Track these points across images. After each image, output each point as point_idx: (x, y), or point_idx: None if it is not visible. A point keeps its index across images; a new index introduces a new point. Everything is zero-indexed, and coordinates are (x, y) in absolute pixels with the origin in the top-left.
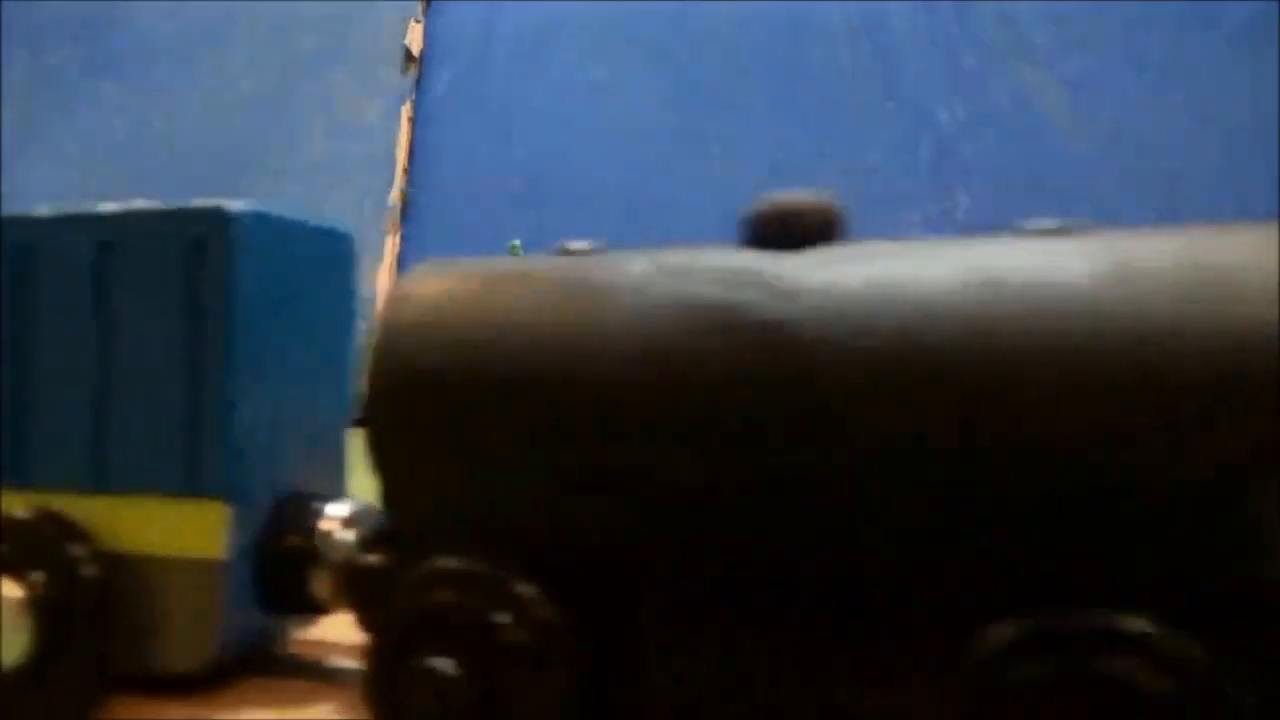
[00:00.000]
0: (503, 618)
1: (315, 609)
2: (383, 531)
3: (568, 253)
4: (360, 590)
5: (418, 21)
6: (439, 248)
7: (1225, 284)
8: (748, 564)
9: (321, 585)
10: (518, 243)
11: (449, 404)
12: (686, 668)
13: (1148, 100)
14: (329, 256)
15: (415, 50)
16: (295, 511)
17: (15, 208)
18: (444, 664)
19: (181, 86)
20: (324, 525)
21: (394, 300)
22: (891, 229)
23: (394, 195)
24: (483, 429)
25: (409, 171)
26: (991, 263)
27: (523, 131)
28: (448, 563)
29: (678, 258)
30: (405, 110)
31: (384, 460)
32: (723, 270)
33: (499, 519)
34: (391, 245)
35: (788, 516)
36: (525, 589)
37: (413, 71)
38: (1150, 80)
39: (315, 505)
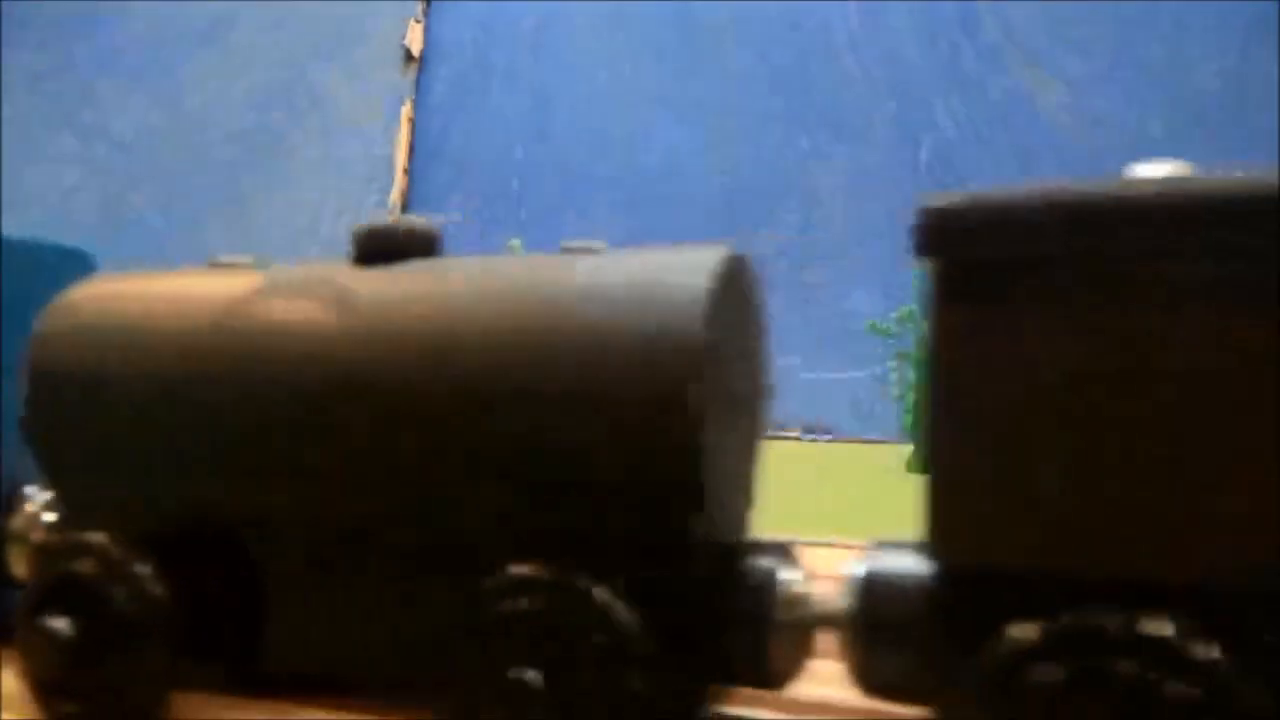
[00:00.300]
0: (119, 590)
1: (19, 585)
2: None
3: (216, 266)
4: (35, 564)
5: (418, 21)
6: None
7: (662, 296)
8: (346, 529)
9: (19, 563)
10: (517, 242)
11: (87, 402)
12: (302, 617)
13: (1148, 100)
14: (65, 273)
15: (415, 50)
16: (8, 497)
17: (15, 208)
18: (62, 624)
19: (181, 86)
20: (29, 508)
21: (49, 309)
22: (892, 228)
23: (394, 195)
24: (119, 425)
25: (409, 171)
26: (497, 277)
27: (522, 132)
28: (83, 538)
29: (294, 273)
30: (405, 110)
31: (38, 451)
32: (318, 284)
33: (131, 502)
34: None
35: (361, 487)
36: (141, 567)
37: (413, 71)
38: (1150, 80)
39: (27, 491)
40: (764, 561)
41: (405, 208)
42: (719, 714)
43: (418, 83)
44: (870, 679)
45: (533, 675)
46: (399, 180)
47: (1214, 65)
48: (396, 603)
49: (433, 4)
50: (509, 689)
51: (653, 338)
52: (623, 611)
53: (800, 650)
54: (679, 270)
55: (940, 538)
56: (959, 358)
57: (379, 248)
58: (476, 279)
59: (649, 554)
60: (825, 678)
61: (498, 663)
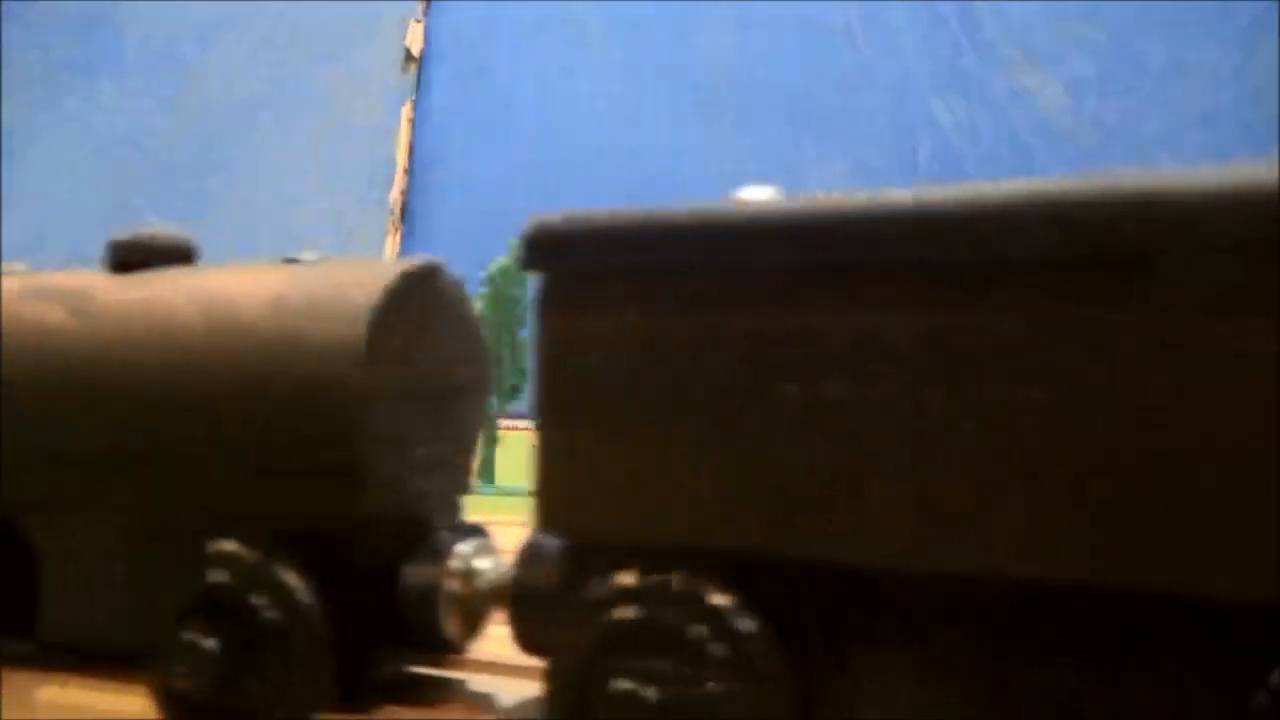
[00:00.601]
0: None
1: None
2: None
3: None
4: None
5: (418, 21)
6: (439, 248)
7: (337, 304)
8: (95, 510)
9: None
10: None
11: None
12: (67, 593)
13: (1148, 100)
14: None
15: (415, 50)
16: None
17: (15, 208)
18: None
19: (181, 86)
20: None
21: None
22: None
23: (394, 195)
24: None
25: (409, 171)
26: (215, 284)
27: (522, 131)
28: None
29: (52, 279)
30: (405, 110)
31: None
32: (68, 290)
33: None
34: (391, 245)
35: (101, 472)
36: None
37: (413, 71)
38: (1150, 80)
39: None
40: (445, 539)
41: (405, 207)
42: (403, 672)
43: (418, 83)
44: (523, 640)
45: (211, 643)
46: (399, 180)
47: (1214, 65)
48: (137, 577)
49: (433, 4)
50: (190, 655)
51: (324, 341)
52: (297, 584)
53: (474, 618)
54: (357, 281)
55: (544, 517)
56: (557, 361)
57: (129, 257)
58: (198, 286)
59: (331, 532)
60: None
61: (187, 632)
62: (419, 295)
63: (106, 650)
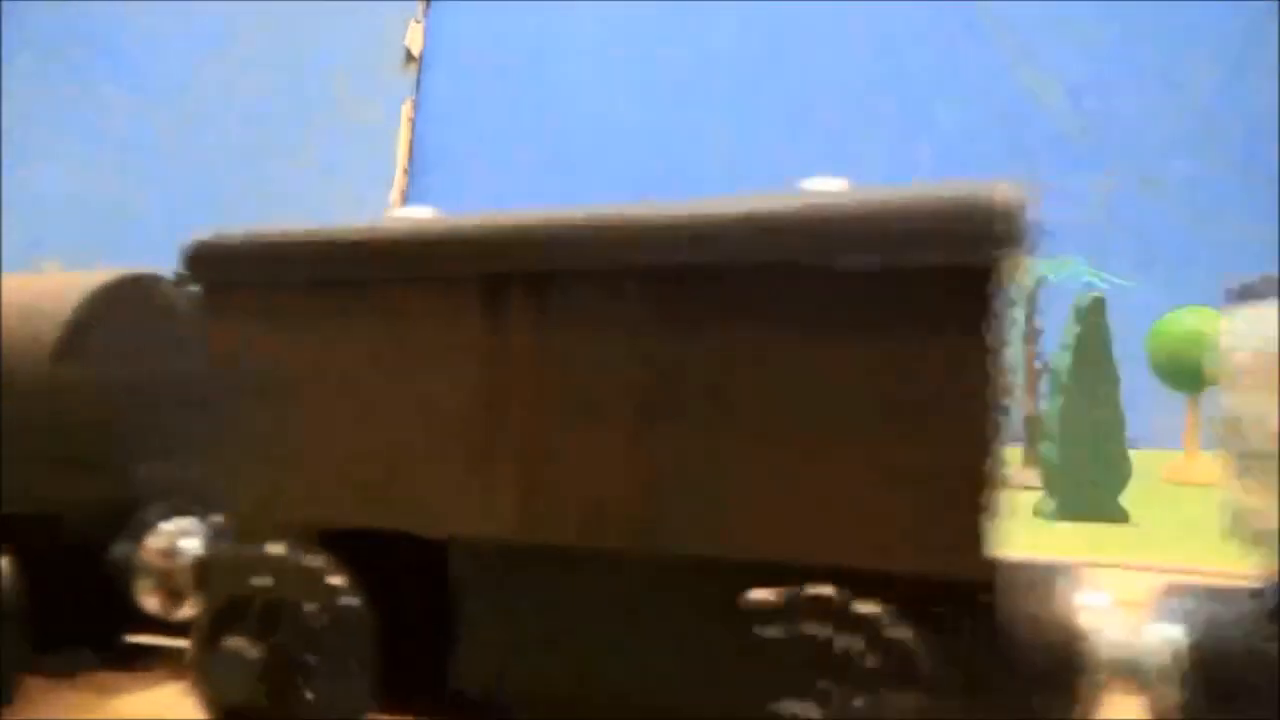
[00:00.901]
0: None
1: None
2: None
3: None
4: None
5: (418, 21)
6: None
7: (47, 305)
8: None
9: None
10: None
11: None
12: None
13: (1148, 101)
14: None
15: (415, 50)
16: None
17: (19, 208)
18: None
19: (181, 87)
20: None
21: None
22: None
23: (394, 195)
24: None
25: (409, 171)
26: None
27: (522, 131)
28: None
29: None
30: (405, 110)
31: None
32: None
33: None
34: None
35: None
36: None
37: (413, 71)
38: (1150, 81)
39: None
40: (151, 519)
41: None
42: (122, 642)
43: (418, 83)
44: None
45: None
46: (399, 180)
47: (1214, 66)
48: None
49: (433, 4)
50: None
51: (30, 339)
52: (2, 566)
53: (178, 591)
54: (70, 286)
55: (223, 500)
56: (214, 362)
57: None
58: None
59: (43, 513)
60: None
61: None
62: (134, 301)
63: None
